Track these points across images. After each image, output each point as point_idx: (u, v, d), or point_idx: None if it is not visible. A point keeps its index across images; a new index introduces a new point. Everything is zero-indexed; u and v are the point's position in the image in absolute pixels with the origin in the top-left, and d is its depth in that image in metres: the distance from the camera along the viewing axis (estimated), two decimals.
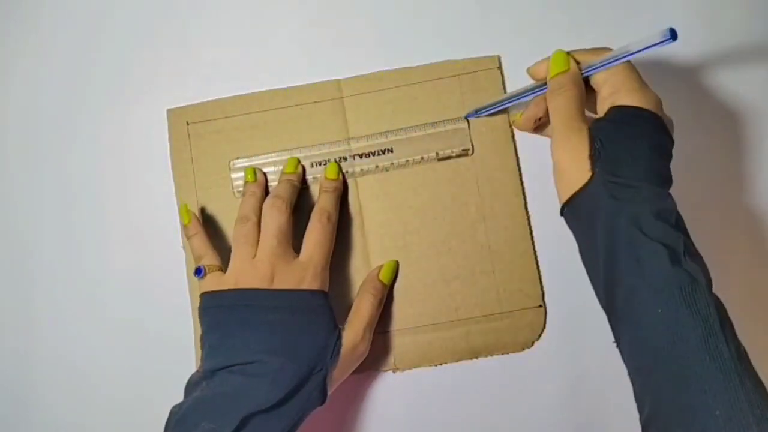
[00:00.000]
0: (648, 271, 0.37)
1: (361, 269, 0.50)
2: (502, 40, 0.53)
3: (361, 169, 0.50)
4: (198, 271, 0.46)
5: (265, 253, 0.45)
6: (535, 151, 0.51)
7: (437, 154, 0.50)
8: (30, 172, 0.53)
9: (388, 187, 0.51)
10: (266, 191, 0.50)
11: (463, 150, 0.50)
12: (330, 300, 0.46)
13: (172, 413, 0.42)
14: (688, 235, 0.39)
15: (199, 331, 0.47)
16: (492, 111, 0.50)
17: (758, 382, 0.35)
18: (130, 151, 0.53)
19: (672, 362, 0.36)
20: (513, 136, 0.51)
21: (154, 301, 0.51)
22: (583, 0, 0.53)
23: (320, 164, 0.51)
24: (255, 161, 0.51)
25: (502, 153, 0.51)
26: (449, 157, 0.50)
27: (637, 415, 0.49)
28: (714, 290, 0.38)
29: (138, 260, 0.52)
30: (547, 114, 0.45)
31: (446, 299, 0.50)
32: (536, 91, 0.46)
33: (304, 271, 0.45)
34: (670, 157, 0.42)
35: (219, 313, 0.44)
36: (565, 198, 0.42)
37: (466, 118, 0.51)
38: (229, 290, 0.44)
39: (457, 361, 0.50)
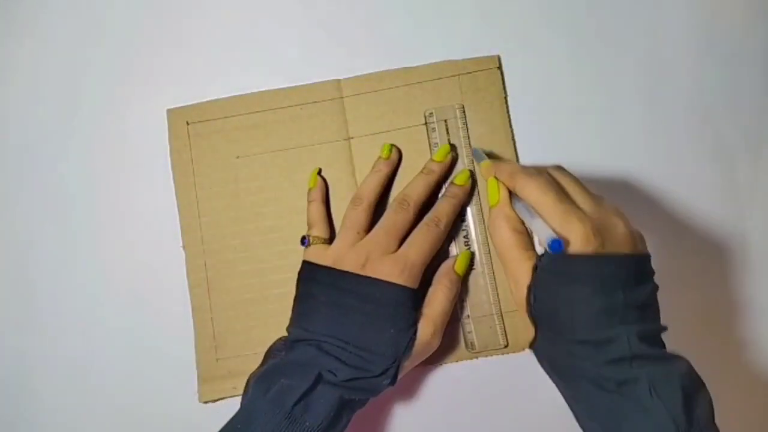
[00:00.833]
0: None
1: None
2: (502, 40, 0.53)
3: None
4: (303, 241, 0.47)
5: (371, 242, 0.45)
6: (535, 152, 0.51)
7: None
8: (29, 172, 0.53)
9: (387, 188, 0.51)
10: (395, 173, 0.50)
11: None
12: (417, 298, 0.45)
13: (250, 376, 0.43)
14: (660, 360, 0.38)
15: (201, 328, 0.48)
16: None
17: None
18: (130, 151, 0.53)
19: None
20: (513, 137, 0.51)
21: (154, 301, 0.51)
22: (582, 0, 0.53)
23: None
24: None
25: (502, 153, 0.51)
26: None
27: None
28: None
29: (138, 260, 0.52)
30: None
31: None
32: None
33: (397, 266, 0.44)
34: (623, 284, 0.38)
35: (312, 286, 0.45)
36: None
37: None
38: (325, 267, 0.44)
39: (457, 361, 0.49)
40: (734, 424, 0.48)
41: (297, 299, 0.45)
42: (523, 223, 0.44)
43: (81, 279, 0.52)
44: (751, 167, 0.52)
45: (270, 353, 0.45)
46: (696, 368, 0.39)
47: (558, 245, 0.37)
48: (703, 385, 0.37)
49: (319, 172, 0.51)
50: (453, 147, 0.50)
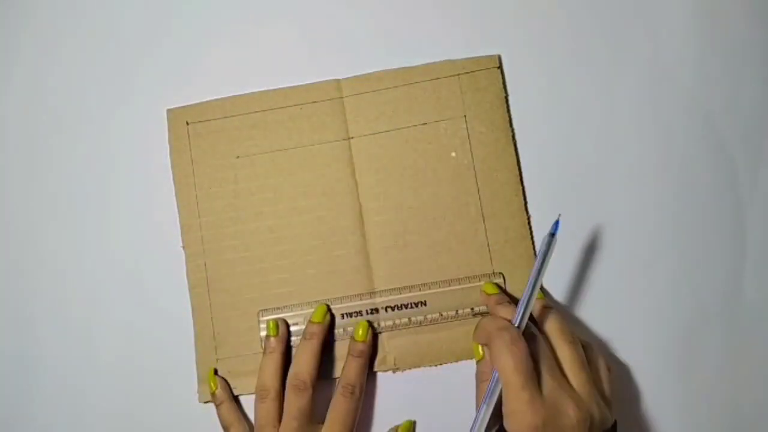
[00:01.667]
0: None
1: (361, 269, 0.50)
2: (502, 40, 0.53)
3: (393, 323, 0.50)
4: None
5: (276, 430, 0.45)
6: (535, 152, 0.51)
7: (472, 309, 0.50)
8: (29, 172, 0.53)
9: (388, 187, 0.51)
10: (288, 346, 0.49)
11: None
12: None
13: None
14: None
15: (201, 328, 0.48)
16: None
17: None
18: (130, 151, 0.53)
19: None
20: (513, 136, 0.51)
21: (154, 300, 0.51)
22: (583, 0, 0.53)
23: (351, 316, 0.50)
24: (282, 314, 0.50)
25: (502, 153, 0.51)
26: (485, 314, 0.49)
27: (636, 414, 0.49)
28: None
29: (138, 260, 0.52)
30: None
31: (446, 300, 0.49)
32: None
33: None
34: None
35: None
36: None
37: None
38: None
39: (457, 361, 0.49)
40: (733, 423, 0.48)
41: None
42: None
43: (80, 279, 0.52)
44: (751, 167, 0.52)
45: None
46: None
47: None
48: None
49: (215, 372, 0.49)
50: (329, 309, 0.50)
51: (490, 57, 0.52)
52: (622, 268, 0.51)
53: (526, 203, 0.50)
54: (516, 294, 0.49)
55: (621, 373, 0.50)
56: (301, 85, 0.52)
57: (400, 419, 0.48)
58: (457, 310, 0.49)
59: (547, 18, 0.53)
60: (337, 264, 0.50)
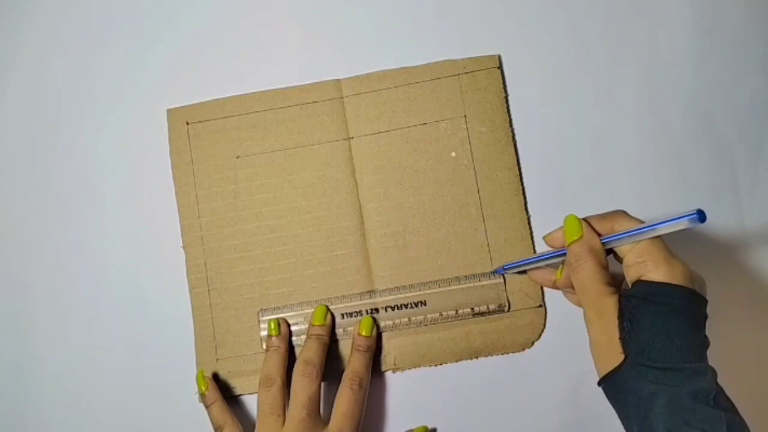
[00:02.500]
0: None
1: (361, 269, 0.50)
2: (502, 40, 0.53)
3: (393, 323, 0.50)
4: None
5: (295, 426, 0.44)
6: (535, 152, 0.51)
7: (472, 309, 0.50)
8: (29, 172, 0.53)
9: (388, 187, 0.51)
10: (290, 344, 0.49)
11: (499, 306, 0.49)
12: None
13: None
14: (730, 409, 0.37)
15: (201, 328, 0.48)
16: (519, 269, 0.48)
17: None
18: (130, 151, 0.53)
19: None
20: (513, 136, 0.51)
21: (154, 301, 0.51)
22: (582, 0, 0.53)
23: (351, 316, 0.50)
24: (282, 313, 0.50)
25: (502, 153, 0.51)
26: (484, 314, 0.49)
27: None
28: None
29: (138, 260, 0.52)
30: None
31: (446, 299, 0.49)
32: (562, 252, 0.43)
33: None
34: (704, 326, 0.40)
35: None
36: (600, 374, 0.40)
37: (497, 272, 0.50)
38: None
39: (457, 361, 0.49)
40: None
41: None
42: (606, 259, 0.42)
43: (81, 279, 0.52)
44: (751, 167, 0.52)
45: None
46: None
47: (702, 215, 0.36)
48: None
49: (203, 374, 0.49)
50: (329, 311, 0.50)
51: (490, 57, 0.52)
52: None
53: (526, 203, 0.50)
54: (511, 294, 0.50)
55: None
56: (301, 85, 0.52)
57: (400, 419, 0.49)
58: (456, 310, 0.49)
59: (547, 18, 0.53)
60: (337, 264, 0.50)
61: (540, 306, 0.50)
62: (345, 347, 0.49)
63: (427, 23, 0.53)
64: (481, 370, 0.50)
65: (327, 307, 0.50)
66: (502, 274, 0.50)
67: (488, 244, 0.50)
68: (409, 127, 0.51)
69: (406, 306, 0.50)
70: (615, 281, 0.40)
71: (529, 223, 0.50)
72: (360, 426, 0.46)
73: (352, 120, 0.51)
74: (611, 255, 0.41)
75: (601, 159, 0.52)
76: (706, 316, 0.40)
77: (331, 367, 0.49)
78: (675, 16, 0.53)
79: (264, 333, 0.50)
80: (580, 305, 0.42)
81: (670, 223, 0.38)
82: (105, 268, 0.52)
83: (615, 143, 0.52)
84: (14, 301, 0.52)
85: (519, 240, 0.50)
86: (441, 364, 0.50)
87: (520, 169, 0.51)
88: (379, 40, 0.53)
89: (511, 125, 0.51)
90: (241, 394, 0.50)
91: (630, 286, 0.39)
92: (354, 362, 0.47)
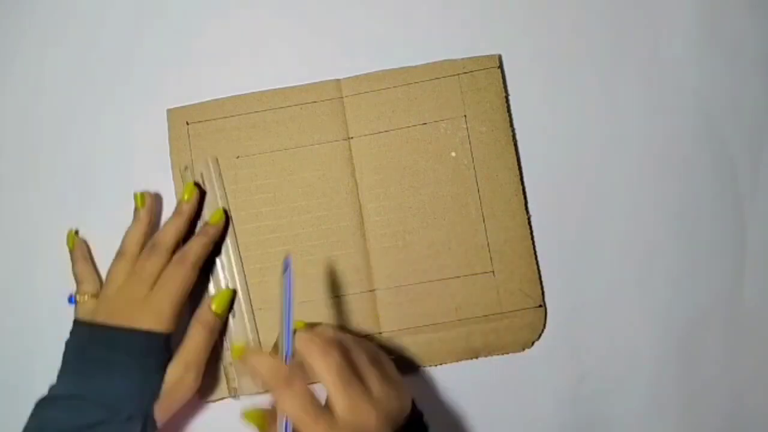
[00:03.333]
0: None
1: (361, 269, 0.50)
2: (502, 40, 0.53)
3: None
4: (70, 299, 0.49)
5: (123, 291, 0.46)
6: (535, 152, 0.51)
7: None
8: (28, 172, 0.53)
9: (388, 187, 0.51)
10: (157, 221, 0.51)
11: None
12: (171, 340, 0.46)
13: None
14: None
15: None
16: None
17: None
18: (130, 151, 0.53)
19: None
20: (513, 136, 0.51)
21: None
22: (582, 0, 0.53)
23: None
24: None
25: (502, 153, 0.51)
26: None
27: (638, 415, 0.49)
28: None
29: None
30: None
31: (446, 299, 0.49)
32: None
33: (144, 312, 0.45)
34: None
35: (71, 341, 0.47)
36: None
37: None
38: (81, 322, 0.47)
39: (457, 361, 0.49)
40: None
41: (63, 356, 0.46)
42: None
43: None
44: (751, 167, 0.52)
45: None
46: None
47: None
48: None
49: (76, 233, 0.52)
50: (197, 184, 0.51)
51: (490, 57, 0.52)
52: (621, 268, 0.51)
53: (526, 203, 0.50)
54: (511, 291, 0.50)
55: (621, 372, 0.50)
56: (301, 85, 0.52)
57: None
58: (456, 310, 0.49)
59: (547, 18, 0.53)
60: (337, 264, 0.50)
61: (540, 306, 0.50)
62: None
63: (427, 23, 0.53)
64: (481, 370, 0.50)
65: (197, 183, 0.51)
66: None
67: (488, 244, 0.50)
68: (409, 127, 0.51)
69: (404, 306, 0.50)
70: None
71: (529, 223, 0.50)
72: (181, 299, 0.46)
73: (352, 120, 0.51)
74: None
75: (600, 159, 0.52)
76: None
77: None
78: (676, 16, 0.53)
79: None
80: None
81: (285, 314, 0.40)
82: (105, 267, 0.52)
83: (615, 143, 0.52)
84: (14, 301, 0.52)
85: (519, 240, 0.50)
86: (441, 364, 0.50)
87: (520, 169, 0.51)
88: (379, 40, 0.53)
89: (511, 125, 0.51)
90: (243, 394, 0.49)
91: None
92: (190, 243, 0.48)
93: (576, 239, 0.51)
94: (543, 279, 0.50)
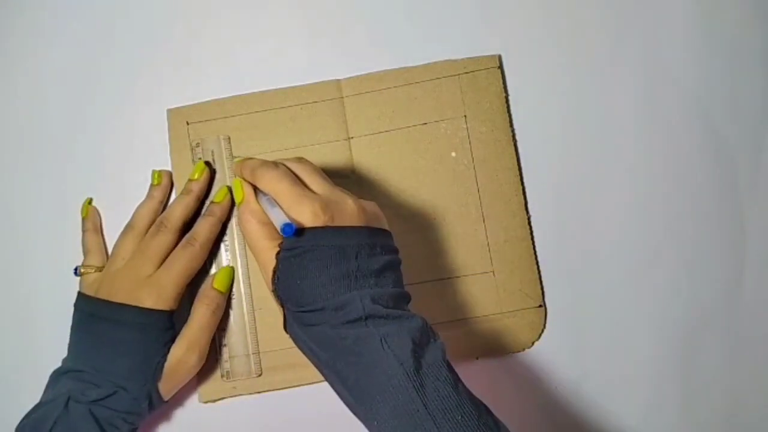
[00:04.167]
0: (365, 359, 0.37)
1: None
2: (502, 40, 0.53)
3: None
4: (75, 271, 0.49)
5: (129, 267, 0.46)
6: (535, 152, 0.51)
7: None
8: (29, 172, 0.53)
9: (388, 187, 0.51)
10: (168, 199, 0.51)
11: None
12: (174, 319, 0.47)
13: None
14: (388, 314, 0.39)
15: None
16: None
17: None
18: (130, 151, 0.53)
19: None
20: (513, 136, 0.51)
21: None
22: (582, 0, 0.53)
23: None
24: None
25: (502, 153, 0.51)
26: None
27: (638, 415, 0.49)
28: None
29: None
30: None
31: (446, 299, 0.49)
32: None
33: (148, 290, 0.45)
34: (356, 256, 0.40)
35: (77, 315, 0.47)
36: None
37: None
38: (86, 296, 0.47)
39: (457, 361, 0.49)
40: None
41: (70, 329, 0.47)
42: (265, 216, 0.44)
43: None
44: (751, 167, 0.52)
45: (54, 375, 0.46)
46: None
47: (289, 228, 0.39)
48: (435, 336, 0.39)
49: (90, 202, 0.52)
50: (208, 163, 0.50)
51: (491, 57, 0.52)
52: (621, 268, 0.51)
53: (526, 203, 0.50)
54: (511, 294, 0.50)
55: (621, 372, 0.50)
56: (302, 85, 0.52)
57: None
58: (456, 310, 0.49)
59: (547, 18, 0.53)
60: None
61: (540, 306, 0.50)
62: None
63: (427, 23, 0.53)
64: (481, 370, 0.50)
65: (207, 163, 0.51)
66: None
67: (488, 244, 0.50)
68: (409, 127, 0.51)
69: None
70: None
71: (529, 223, 0.50)
72: (185, 279, 0.47)
73: (352, 120, 0.51)
74: None
75: (600, 158, 0.52)
76: (355, 245, 0.40)
77: None
78: (676, 16, 0.53)
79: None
80: None
81: (278, 219, 0.40)
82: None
83: (615, 143, 0.52)
84: (13, 302, 0.52)
85: (519, 240, 0.50)
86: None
87: (520, 169, 0.51)
88: (379, 40, 0.53)
89: (511, 125, 0.51)
90: (241, 394, 0.50)
91: None
92: (197, 225, 0.48)
93: (576, 239, 0.51)
94: (543, 279, 0.50)
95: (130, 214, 0.50)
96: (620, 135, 0.52)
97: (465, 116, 0.51)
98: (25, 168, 0.53)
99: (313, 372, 0.42)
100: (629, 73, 0.53)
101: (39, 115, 0.54)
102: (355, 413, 0.39)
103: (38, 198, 0.53)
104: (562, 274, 0.50)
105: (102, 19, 0.55)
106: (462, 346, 0.49)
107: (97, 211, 0.52)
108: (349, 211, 0.41)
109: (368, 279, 0.40)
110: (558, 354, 0.50)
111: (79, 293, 0.48)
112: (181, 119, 0.52)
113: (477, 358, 0.49)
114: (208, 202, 0.50)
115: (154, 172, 0.51)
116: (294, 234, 0.39)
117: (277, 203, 0.42)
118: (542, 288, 0.50)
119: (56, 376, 0.45)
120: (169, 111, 0.52)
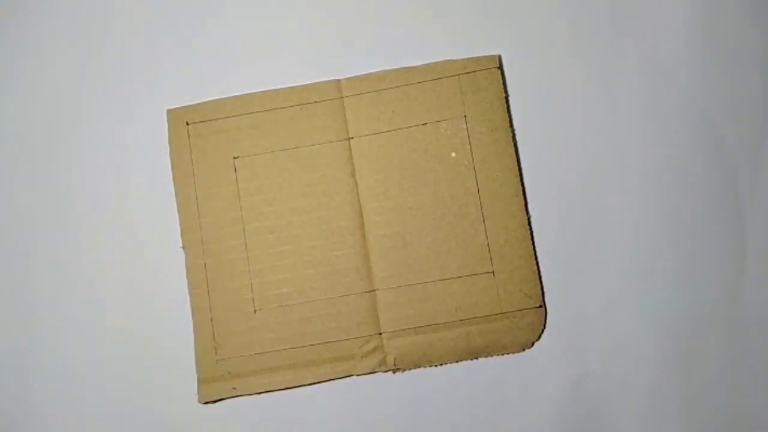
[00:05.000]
0: None
1: (361, 269, 0.50)
2: (503, 40, 0.53)
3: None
4: None
5: None
6: (535, 152, 0.51)
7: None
8: (27, 172, 0.53)
9: (388, 187, 0.51)
10: None
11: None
12: None
13: None
14: None
15: (201, 329, 0.48)
16: None
17: None
18: (129, 152, 0.53)
19: None
20: (513, 136, 0.51)
21: (154, 302, 0.51)
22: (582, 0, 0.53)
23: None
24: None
25: (502, 153, 0.51)
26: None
27: (637, 415, 0.49)
28: None
29: (138, 261, 0.52)
30: None
31: (446, 299, 0.49)
32: None
33: None
34: None
35: None
36: None
37: None
38: None
39: (457, 361, 0.49)
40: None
41: None
42: None
43: (80, 279, 0.52)
44: (751, 167, 0.52)
45: None
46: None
47: None
48: None
49: None
50: None
51: (491, 57, 0.52)
52: (621, 268, 0.51)
53: (526, 204, 0.50)
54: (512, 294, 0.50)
55: (621, 373, 0.50)
56: (301, 86, 0.52)
57: (401, 419, 0.49)
58: (456, 310, 0.49)
59: (547, 18, 0.53)
60: (337, 264, 0.50)
61: (540, 306, 0.50)
62: None
63: (427, 23, 0.53)
64: (481, 370, 0.50)
65: None
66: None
67: (488, 245, 0.50)
68: (410, 127, 0.51)
69: (405, 306, 0.50)
70: None
71: (529, 223, 0.50)
72: None
73: (352, 120, 0.51)
74: None
75: (600, 158, 0.52)
76: None
77: None
78: (675, 16, 0.53)
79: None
80: None
81: None
82: (104, 268, 0.52)
83: (614, 143, 0.52)
84: (13, 301, 0.52)
85: (519, 240, 0.50)
86: (441, 365, 0.50)
87: (520, 169, 0.51)
88: (379, 40, 0.53)
89: (511, 125, 0.51)
90: (241, 395, 0.50)
91: None
92: None
93: (576, 239, 0.51)
94: (543, 279, 0.50)
95: (130, 215, 0.50)
96: (619, 134, 0.52)
97: (465, 116, 0.51)
98: (21, 168, 0.53)
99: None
100: (629, 73, 0.53)
101: (37, 115, 0.54)
102: None
103: (36, 198, 0.53)
104: (562, 274, 0.50)
105: (100, 18, 0.55)
106: (462, 347, 0.49)
107: None
108: None
109: None
110: (558, 354, 0.50)
111: None
112: (181, 119, 0.52)
113: (477, 359, 0.49)
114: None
115: None
116: None
117: None
118: (542, 288, 0.50)
119: None
120: (169, 111, 0.52)
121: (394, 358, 0.49)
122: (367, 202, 0.51)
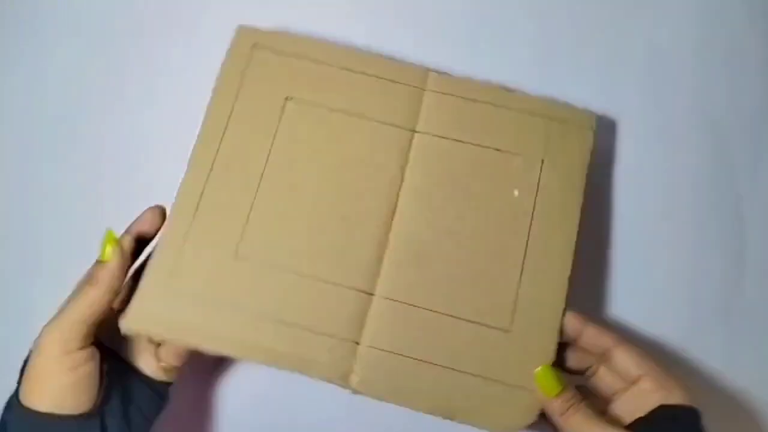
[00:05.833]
0: None
1: (369, 266, 0.43)
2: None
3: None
4: None
5: None
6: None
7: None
8: (36, 159, 0.52)
9: (433, 196, 0.45)
10: None
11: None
12: None
13: None
14: None
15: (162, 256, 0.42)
16: None
17: None
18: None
19: None
20: (583, 203, 0.46)
21: None
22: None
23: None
24: None
25: (566, 214, 0.45)
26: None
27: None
28: None
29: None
30: None
31: (446, 338, 0.42)
32: None
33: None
34: None
35: None
36: None
37: None
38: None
39: (427, 413, 0.41)
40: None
41: None
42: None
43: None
44: (751, 167, 0.52)
45: None
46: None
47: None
48: None
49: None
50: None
51: (588, 115, 0.47)
52: (621, 268, 0.50)
53: (570, 276, 0.44)
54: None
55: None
56: (389, 59, 0.48)
57: (401, 419, 0.44)
58: (452, 355, 0.42)
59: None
60: (347, 249, 0.43)
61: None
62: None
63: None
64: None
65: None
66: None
67: (516, 300, 0.43)
68: (482, 146, 0.46)
69: (398, 326, 0.42)
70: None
71: (567, 297, 0.44)
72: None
73: (424, 114, 0.46)
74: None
75: (600, 158, 0.50)
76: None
77: None
78: (675, 17, 0.54)
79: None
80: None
81: None
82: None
83: (614, 142, 0.52)
84: (14, 298, 0.50)
85: (550, 307, 0.43)
86: (404, 406, 0.41)
87: (578, 239, 0.45)
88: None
89: (585, 192, 0.46)
90: (168, 338, 0.41)
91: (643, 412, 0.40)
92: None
93: None
94: None
95: (130, 211, 0.44)
96: (619, 134, 0.52)
97: (542, 160, 0.46)
98: (23, 161, 0.52)
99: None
100: (628, 73, 0.53)
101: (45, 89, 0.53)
102: None
103: (36, 193, 0.51)
104: None
105: None
106: (440, 397, 0.41)
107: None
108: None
109: None
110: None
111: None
112: (250, 40, 0.47)
113: (450, 419, 0.41)
114: None
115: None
116: None
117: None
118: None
119: None
120: (240, 27, 0.48)
121: (359, 379, 0.41)
122: (405, 202, 0.45)
